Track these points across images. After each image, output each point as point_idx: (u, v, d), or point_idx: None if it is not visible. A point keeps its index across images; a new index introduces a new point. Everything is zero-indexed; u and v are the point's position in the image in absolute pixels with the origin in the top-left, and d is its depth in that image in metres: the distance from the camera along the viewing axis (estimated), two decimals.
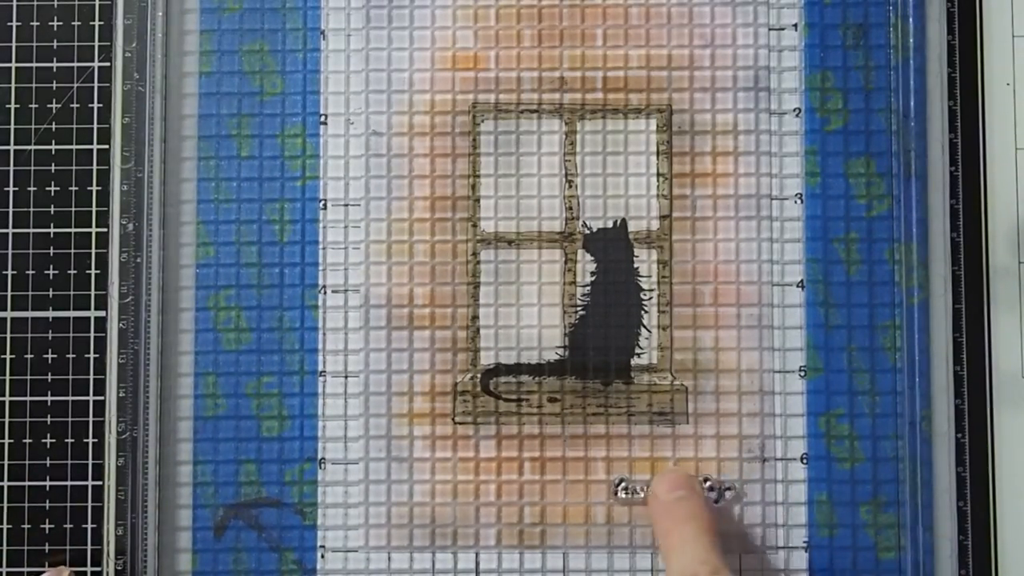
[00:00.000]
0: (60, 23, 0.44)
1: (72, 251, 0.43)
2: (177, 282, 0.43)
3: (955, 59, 0.43)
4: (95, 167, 0.44)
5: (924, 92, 0.43)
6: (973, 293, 0.43)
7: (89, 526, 0.43)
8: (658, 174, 0.44)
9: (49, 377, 0.43)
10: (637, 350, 0.43)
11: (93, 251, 0.43)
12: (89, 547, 0.42)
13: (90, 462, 0.43)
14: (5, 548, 0.42)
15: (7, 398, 0.43)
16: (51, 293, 0.43)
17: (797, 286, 0.43)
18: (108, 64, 0.44)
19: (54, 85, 0.44)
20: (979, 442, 0.42)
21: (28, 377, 0.43)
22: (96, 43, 0.44)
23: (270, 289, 0.43)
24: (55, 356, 0.43)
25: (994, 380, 0.42)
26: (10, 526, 0.43)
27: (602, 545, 0.42)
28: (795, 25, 0.44)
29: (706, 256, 0.43)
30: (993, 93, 0.43)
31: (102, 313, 0.43)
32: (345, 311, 0.43)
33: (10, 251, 0.44)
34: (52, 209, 0.44)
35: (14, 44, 0.44)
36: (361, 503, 0.43)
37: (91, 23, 0.44)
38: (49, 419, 0.43)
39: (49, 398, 0.43)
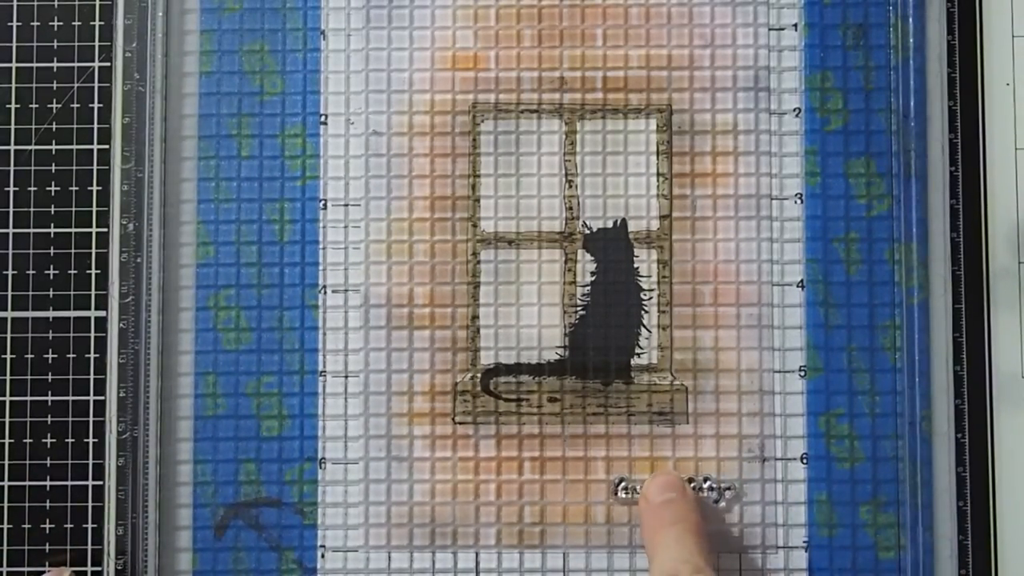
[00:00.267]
0: (60, 23, 0.44)
1: (72, 251, 0.43)
2: (177, 282, 0.43)
3: (955, 59, 0.43)
4: (95, 167, 0.44)
5: (924, 92, 0.43)
6: (973, 293, 0.43)
7: (89, 526, 0.43)
8: (658, 174, 0.44)
9: (49, 377, 0.43)
10: (637, 350, 0.43)
11: (93, 251, 0.43)
12: (89, 547, 0.42)
13: (90, 462, 0.43)
14: (5, 548, 0.43)
15: (7, 398, 0.43)
16: (51, 293, 0.43)
17: (797, 286, 0.43)
18: (108, 64, 0.44)
19: (54, 85, 0.44)
20: (979, 442, 0.42)
21: (28, 377, 0.43)
22: (96, 43, 0.44)
23: (270, 289, 0.43)
24: (55, 356, 0.43)
25: (994, 380, 0.42)
26: (10, 526, 0.43)
27: (602, 545, 0.42)
28: (795, 25, 0.44)
29: (706, 256, 0.43)
30: (993, 93, 0.43)
31: (102, 313, 0.43)
32: (345, 311, 0.43)
33: (10, 251, 0.44)
34: (52, 209, 0.44)
35: (14, 44, 0.44)
36: (361, 503, 0.43)
37: (91, 23, 0.44)
38: (49, 419, 0.43)
39: (49, 398, 0.43)
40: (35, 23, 0.44)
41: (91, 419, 0.43)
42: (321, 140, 0.44)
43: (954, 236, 0.43)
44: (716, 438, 0.43)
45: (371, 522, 0.43)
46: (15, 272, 0.43)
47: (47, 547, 0.43)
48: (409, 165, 0.44)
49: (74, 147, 0.44)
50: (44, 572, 0.42)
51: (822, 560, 0.42)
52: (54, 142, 0.44)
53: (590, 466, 0.43)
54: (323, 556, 0.43)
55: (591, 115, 0.44)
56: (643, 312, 0.43)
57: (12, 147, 0.44)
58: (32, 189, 0.44)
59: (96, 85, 0.44)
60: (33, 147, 0.44)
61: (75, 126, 0.44)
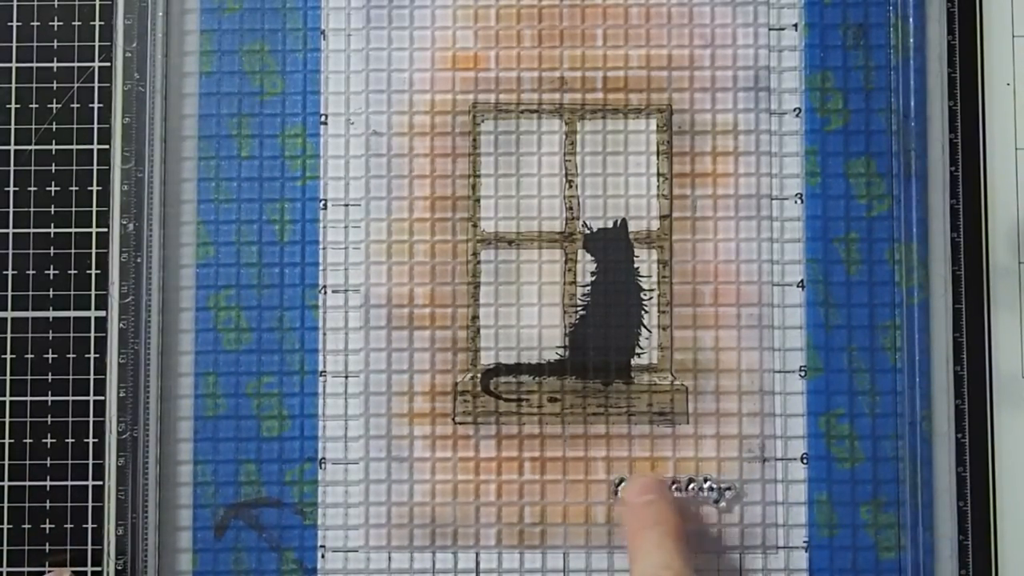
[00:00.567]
0: (60, 23, 0.44)
1: (72, 251, 0.43)
2: (177, 282, 0.43)
3: (955, 59, 0.43)
4: (95, 167, 0.44)
5: (924, 92, 0.43)
6: (973, 293, 0.43)
7: (89, 526, 0.43)
8: (658, 174, 0.44)
9: (49, 377, 0.43)
10: (637, 350, 0.43)
11: (93, 251, 0.43)
12: (89, 547, 0.42)
13: (90, 462, 0.43)
14: (5, 548, 0.42)
15: (7, 398, 0.43)
16: (51, 293, 0.43)
17: (797, 286, 0.43)
18: (108, 64, 0.44)
19: (54, 85, 0.44)
20: (979, 442, 0.42)
21: (28, 377, 0.43)
22: (96, 43, 0.44)
23: (270, 289, 0.43)
24: (55, 356, 0.43)
25: (994, 380, 0.43)
26: (10, 526, 0.43)
27: (602, 545, 0.42)
28: (795, 25, 0.44)
29: (706, 256, 0.43)
30: (993, 93, 0.43)
31: (102, 313, 0.43)
32: (345, 311, 0.43)
33: (10, 251, 0.44)
34: (52, 209, 0.44)
35: (14, 44, 0.44)
36: (361, 503, 0.43)
37: (91, 23, 0.44)
38: (49, 419, 0.43)
39: (49, 398, 0.43)
40: (35, 23, 0.44)
41: (91, 419, 0.43)
42: (321, 140, 0.44)
43: (954, 236, 0.43)
44: (716, 438, 0.43)
45: (371, 522, 0.43)
46: (15, 272, 0.43)
47: (47, 547, 0.43)
48: (409, 165, 0.44)
49: (74, 147, 0.44)
50: (44, 572, 0.42)
51: (822, 560, 0.42)
52: (54, 142, 0.44)
53: (590, 466, 0.43)
54: (323, 556, 0.43)
55: (591, 115, 0.44)
56: (643, 312, 0.43)
57: (12, 147, 0.44)
58: (32, 189, 0.44)
59: (96, 85, 0.44)
60: (33, 147, 0.44)
61: (75, 126, 0.44)
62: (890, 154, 0.43)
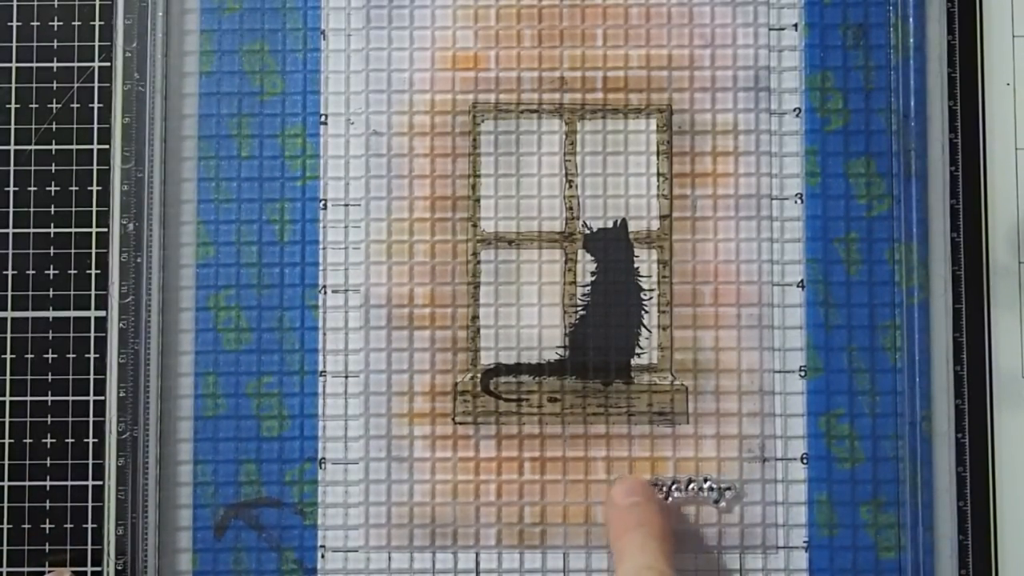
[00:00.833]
0: (60, 23, 0.44)
1: (72, 251, 0.43)
2: (177, 282, 0.43)
3: (955, 59, 0.43)
4: (95, 167, 0.44)
5: (924, 92, 0.43)
6: (973, 293, 0.43)
7: (89, 526, 0.43)
8: (658, 174, 0.44)
9: (49, 377, 0.43)
10: (637, 350, 0.43)
11: (93, 251, 0.43)
12: (89, 547, 0.42)
13: (90, 462, 0.43)
14: (5, 548, 0.42)
15: (7, 398, 0.43)
16: (51, 293, 0.43)
17: (797, 286, 0.43)
18: (108, 64, 0.44)
19: (54, 85, 0.44)
20: (979, 442, 0.42)
21: (28, 377, 0.43)
22: (96, 43, 0.44)
23: (270, 289, 0.43)
24: (55, 356, 0.43)
25: (994, 380, 0.43)
26: (10, 526, 0.43)
27: (602, 545, 0.42)
28: (795, 25, 0.44)
29: (706, 256, 0.43)
30: (993, 93, 0.43)
31: (102, 313, 0.43)
32: (345, 311, 0.43)
33: (10, 251, 0.44)
34: (52, 209, 0.44)
35: (14, 44, 0.44)
36: (361, 503, 0.43)
37: (91, 23, 0.44)
38: (49, 419, 0.43)
39: (49, 398, 0.43)
40: (35, 23, 0.44)
41: (91, 419, 0.43)
42: (321, 140, 0.44)
43: (954, 236, 0.43)
44: (716, 438, 0.43)
45: (371, 522, 0.43)
46: (15, 272, 0.43)
47: (47, 547, 0.43)
48: (409, 165, 0.44)
49: (74, 147, 0.44)
50: (44, 573, 0.42)
51: (822, 560, 0.42)
52: (54, 142, 0.44)
53: (590, 466, 0.43)
54: (323, 556, 0.43)
55: (591, 115, 0.44)
56: (643, 312, 0.43)
57: (12, 147, 0.44)
58: (32, 189, 0.44)
59: (96, 85, 0.44)
60: (33, 147, 0.44)
61: (75, 126, 0.44)
62: (890, 154, 0.43)
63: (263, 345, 0.43)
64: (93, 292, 0.43)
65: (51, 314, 0.43)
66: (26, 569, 0.42)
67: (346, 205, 0.44)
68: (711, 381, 0.43)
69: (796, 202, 0.43)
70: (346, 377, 0.43)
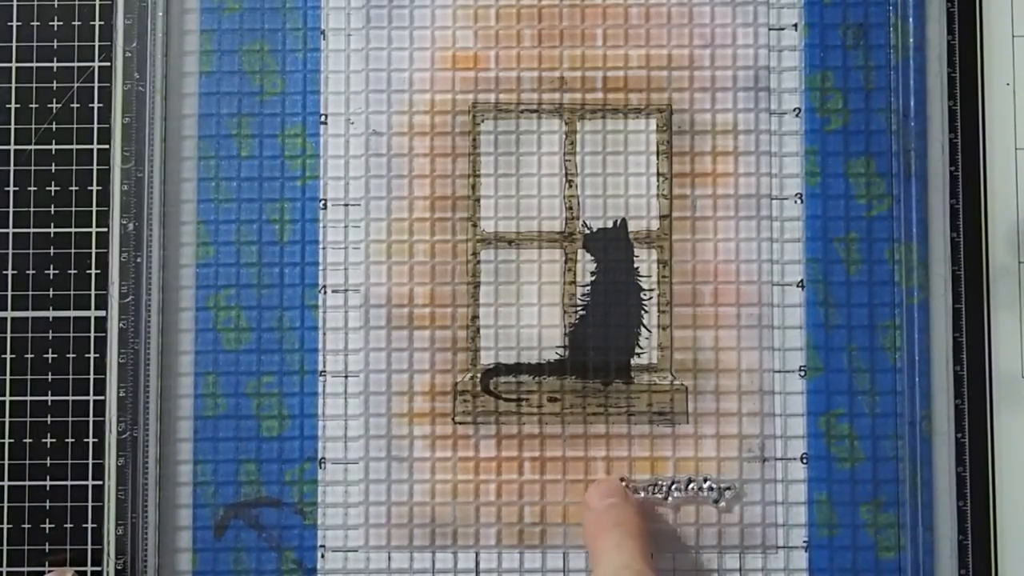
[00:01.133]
0: (60, 23, 0.44)
1: (72, 251, 0.43)
2: (177, 282, 0.43)
3: (955, 59, 0.43)
4: (95, 167, 0.44)
5: (924, 92, 0.43)
6: (973, 293, 0.43)
7: (89, 526, 0.43)
8: (658, 174, 0.44)
9: (49, 377, 0.43)
10: (637, 350, 0.43)
11: (93, 251, 0.43)
12: (89, 547, 0.42)
13: (90, 462, 0.43)
14: (5, 548, 0.42)
15: (7, 398, 0.43)
16: (51, 293, 0.43)
17: (797, 286, 0.43)
18: (108, 64, 0.44)
19: (54, 85, 0.44)
20: (979, 442, 0.42)
21: (28, 377, 0.43)
22: (96, 43, 0.44)
23: (270, 289, 0.43)
24: (55, 356, 0.43)
25: (994, 380, 0.42)
26: (10, 526, 0.43)
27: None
28: (795, 25, 0.44)
29: (706, 256, 0.43)
30: (993, 93, 0.43)
31: (102, 313, 0.43)
32: (345, 311, 0.43)
33: (10, 251, 0.44)
34: (52, 209, 0.44)
35: (14, 44, 0.44)
36: (361, 503, 0.43)
37: (91, 23, 0.44)
38: (49, 419, 0.43)
39: (49, 398, 0.43)
40: (35, 23, 0.44)
41: (91, 419, 0.43)
42: (321, 140, 0.44)
43: (954, 236, 0.43)
44: (716, 438, 0.43)
45: (371, 522, 0.43)
46: (15, 272, 0.43)
47: (47, 547, 0.43)
48: (409, 165, 0.44)
49: (74, 147, 0.44)
50: (45, 573, 0.42)
51: (822, 560, 0.42)
52: (54, 142, 0.44)
53: (590, 466, 0.43)
54: (323, 556, 0.43)
55: (591, 115, 0.44)
56: (643, 312, 0.43)
57: (12, 147, 0.44)
58: (32, 189, 0.44)
59: (96, 85, 0.44)
60: (33, 147, 0.44)
61: (75, 126, 0.44)
62: (890, 154, 0.43)
63: (263, 345, 0.43)
64: (93, 292, 0.43)
65: (51, 314, 0.43)
66: (26, 569, 0.42)
67: (346, 205, 0.44)
68: (711, 381, 0.43)
69: (796, 202, 0.43)
70: (346, 377, 0.43)
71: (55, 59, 0.44)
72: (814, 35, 0.44)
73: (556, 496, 0.43)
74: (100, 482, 0.42)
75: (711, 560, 0.42)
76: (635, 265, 0.43)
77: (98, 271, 0.43)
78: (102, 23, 0.44)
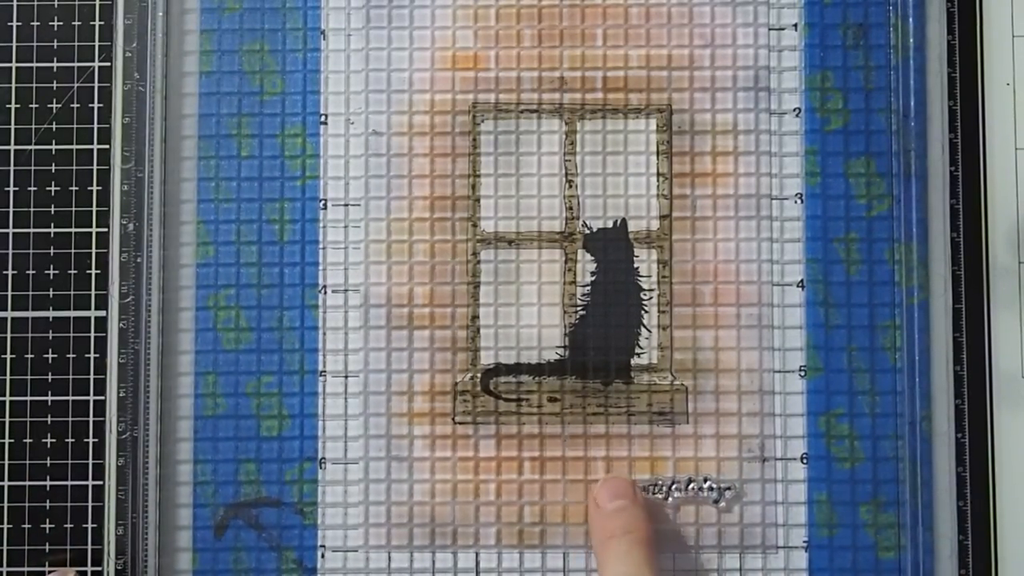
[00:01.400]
0: (60, 23, 0.44)
1: (72, 251, 0.43)
2: (177, 282, 0.43)
3: (955, 59, 0.43)
4: (95, 167, 0.44)
5: (924, 92, 0.43)
6: (973, 293, 0.43)
7: (89, 526, 0.43)
8: (658, 174, 0.44)
9: (49, 377, 0.43)
10: (637, 350, 0.43)
11: (93, 251, 0.43)
12: (89, 547, 0.42)
13: (90, 462, 0.43)
14: (5, 548, 0.43)
15: (7, 398, 0.43)
16: (51, 293, 0.43)
17: (797, 286, 0.43)
18: (108, 64, 0.44)
19: (54, 85, 0.44)
20: (979, 442, 0.42)
21: (28, 377, 0.43)
22: (96, 43, 0.44)
23: (270, 289, 0.43)
24: (55, 356, 0.43)
25: (994, 380, 0.42)
26: (10, 526, 0.43)
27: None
28: (795, 25, 0.44)
29: (706, 256, 0.43)
30: (993, 93, 0.43)
31: (102, 313, 0.43)
32: (345, 311, 0.43)
33: (10, 251, 0.44)
34: (52, 209, 0.44)
35: (14, 44, 0.44)
36: (361, 502, 0.43)
37: (91, 23, 0.44)
38: (49, 419, 0.43)
39: (49, 398, 0.43)
40: (35, 23, 0.44)
41: (91, 419, 0.43)
42: (321, 140, 0.44)
43: (954, 236, 0.43)
44: (716, 438, 0.43)
45: (371, 522, 0.43)
46: (15, 272, 0.43)
47: (47, 547, 0.43)
48: (409, 165, 0.44)
49: (74, 147, 0.44)
50: (46, 573, 0.42)
51: (822, 560, 0.42)
52: (54, 142, 0.44)
53: (590, 466, 0.43)
54: (323, 556, 0.43)
55: (591, 115, 0.44)
56: (643, 312, 0.43)
57: (12, 147, 0.44)
58: (32, 189, 0.44)
59: (96, 85, 0.44)
60: (33, 147, 0.44)
61: (75, 126, 0.44)
62: (890, 154, 0.43)
63: (263, 345, 0.43)
64: (93, 292, 0.43)
65: (51, 314, 0.43)
66: (26, 569, 0.42)
67: (346, 205, 0.44)
68: (711, 381, 0.43)
69: (796, 202, 0.43)
70: (346, 377, 0.43)
71: (55, 59, 0.44)
72: (814, 35, 0.44)
73: (556, 496, 0.43)
74: (100, 482, 0.42)
75: (711, 560, 0.42)
76: (635, 265, 0.43)
77: (98, 271, 0.43)
78: (102, 23, 0.44)
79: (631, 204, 0.44)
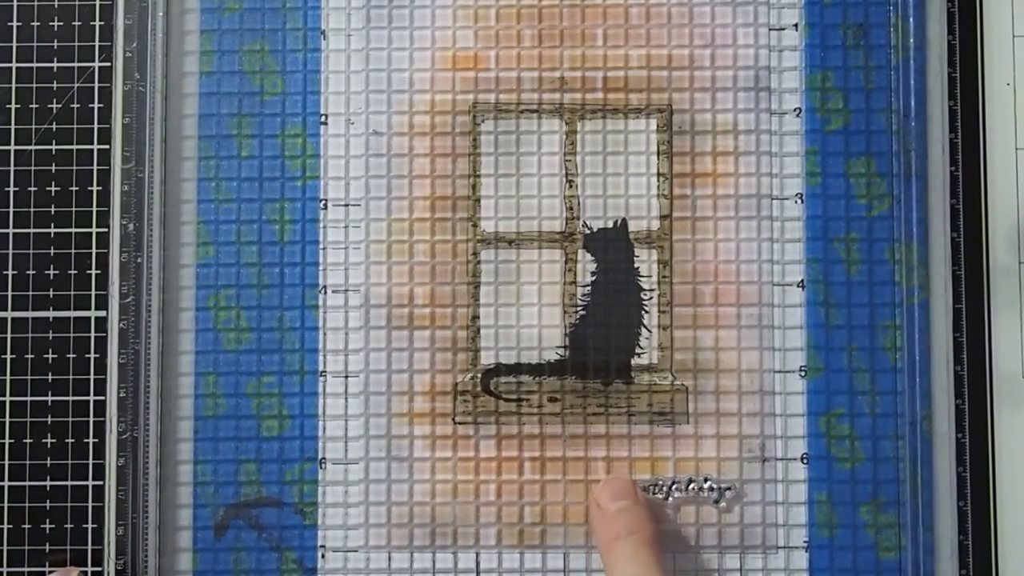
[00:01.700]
0: (60, 23, 0.44)
1: (72, 251, 0.43)
2: (177, 282, 0.43)
3: (955, 59, 0.43)
4: (95, 167, 0.44)
5: (924, 92, 0.43)
6: (973, 293, 0.43)
7: (89, 526, 0.43)
8: (658, 174, 0.44)
9: (49, 377, 0.43)
10: (637, 350, 0.43)
11: (93, 251, 0.43)
12: (89, 547, 0.42)
13: (90, 462, 0.43)
14: (5, 548, 0.42)
15: (7, 398, 0.43)
16: (51, 293, 0.43)
17: (797, 286, 0.43)
18: (108, 64, 0.44)
19: (54, 85, 0.44)
20: (979, 442, 0.42)
21: (28, 377, 0.43)
22: (96, 43, 0.44)
23: (270, 289, 0.43)
24: (55, 356, 0.43)
25: (994, 380, 0.43)
26: (10, 526, 0.43)
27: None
28: (795, 25, 0.44)
29: (706, 256, 0.43)
30: (993, 93, 0.43)
31: (102, 313, 0.43)
32: (345, 311, 0.43)
33: (10, 251, 0.44)
34: (52, 209, 0.44)
35: (14, 44, 0.44)
36: (361, 503, 0.43)
37: (91, 23, 0.44)
38: (49, 419, 0.43)
39: (49, 398, 0.43)
40: (35, 23, 0.44)
41: (91, 419, 0.43)
42: (321, 140, 0.44)
43: (954, 236, 0.43)
44: (716, 438, 0.43)
45: (371, 522, 0.43)
46: (15, 272, 0.43)
47: (47, 547, 0.43)
48: (409, 165, 0.44)
49: (74, 147, 0.44)
50: (47, 573, 0.42)
51: (822, 560, 0.42)
52: (54, 142, 0.44)
53: (590, 466, 0.43)
54: (323, 556, 0.43)
55: (591, 115, 0.44)
56: (643, 312, 0.43)
57: (12, 147, 0.44)
58: (32, 189, 0.44)
59: (96, 85, 0.44)
60: (33, 147, 0.44)
61: (75, 126, 0.44)
62: (890, 154, 0.43)
63: (263, 345, 0.43)
64: (93, 292, 0.43)
65: (51, 314, 0.43)
66: (26, 569, 0.42)
67: (346, 205, 0.44)
68: (711, 381, 0.43)
69: (796, 202, 0.43)
70: (346, 377, 0.43)
71: (55, 59, 0.44)
72: (814, 35, 0.44)
73: (556, 496, 0.43)
74: (100, 482, 0.42)
75: (711, 560, 0.42)
76: (635, 265, 0.43)
77: (98, 271, 0.43)
78: (102, 23, 0.44)
79: (631, 204, 0.44)
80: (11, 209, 0.44)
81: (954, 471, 0.42)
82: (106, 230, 0.43)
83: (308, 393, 0.43)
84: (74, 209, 0.44)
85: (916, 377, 0.42)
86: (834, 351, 0.43)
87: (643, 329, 0.43)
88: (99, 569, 0.42)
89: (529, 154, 0.44)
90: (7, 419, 0.43)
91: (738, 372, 0.43)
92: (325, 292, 0.43)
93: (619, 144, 0.44)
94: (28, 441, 0.43)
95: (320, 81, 0.44)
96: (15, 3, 0.44)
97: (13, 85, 0.44)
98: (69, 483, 0.43)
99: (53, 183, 0.44)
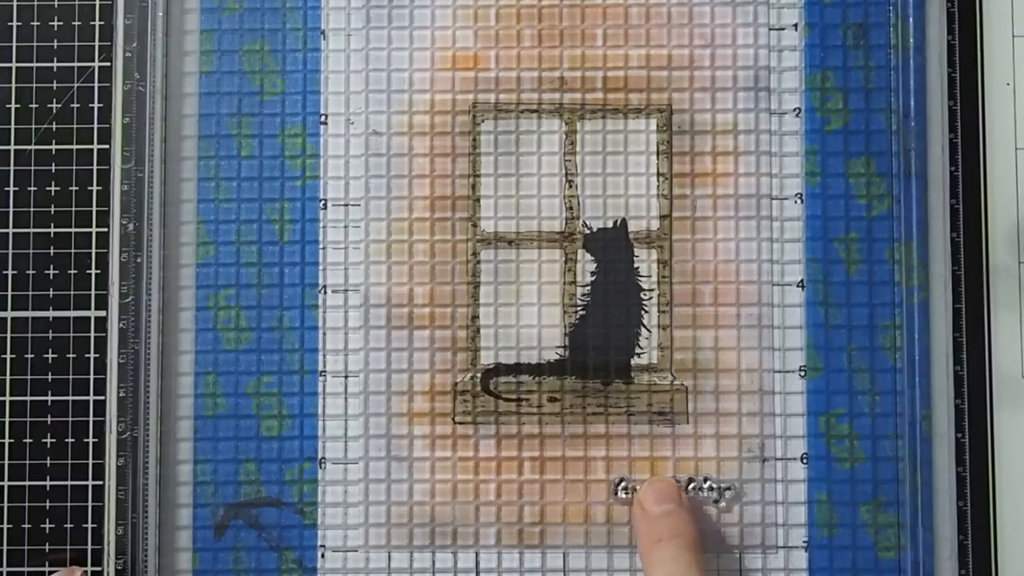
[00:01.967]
0: (60, 23, 0.44)
1: (72, 251, 0.43)
2: (177, 282, 0.43)
3: (955, 59, 0.43)
4: (95, 167, 0.44)
5: (924, 92, 0.43)
6: (973, 293, 0.43)
7: (89, 526, 0.43)
8: (658, 174, 0.44)
9: (49, 377, 0.43)
10: (637, 350, 0.43)
11: (93, 251, 0.43)
12: (89, 547, 0.42)
13: (90, 462, 0.43)
14: (5, 548, 0.43)
15: (7, 398, 0.43)
16: (51, 293, 0.43)
17: (797, 286, 0.43)
18: (108, 64, 0.44)
19: (54, 85, 0.44)
20: (979, 442, 0.42)
21: (28, 377, 0.43)
22: (96, 43, 0.44)
23: (270, 288, 0.43)
24: (55, 356, 0.43)
25: (994, 380, 0.42)
26: (10, 526, 0.43)
27: (602, 545, 0.42)
28: (795, 25, 0.44)
29: (706, 256, 0.43)
30: (993, 93, 0.43)
31: (102, 313, 0.43)
32: (345, 310, 0.43)
33: (10, 251, 0.44)
34: (52, 209, 0.44)
35: (14, 44, 0.44)
36: (361, 502, 0.43)
37: (91, 23, 0.44)
38: (49, 419, 0.43)
39: (49, 398, 0.43)
40: (35, 23, 0.44)
41: (91, 419, 0.43)
42: (321, 140, 0.44)
43: (954, 236, 0.43)
44: (716, 438, 0.43)
45: (371, 522, 0.43)
46: (15, 272, 0.43)
47: (47, 547, 0.43)
48: (409, 165, 0.44)
49: (74, 147, 0.44)
50: (54, 572, 0.42)
51: (822, 560, 0.42)
52: (54, 142, 0.44)
53: (590, 466, 0.43)
54: (323, 556, 0.43)
55: (591, 115, 0.44)
56: (643, 312, 0.43)
57: (12, 147, 0.44)
58: (32, 189, 0.44)
59: (96, 85, 0.44)
60: (33, 147, 0.44)
61: (75, 126, 0.44)
62: (890, 154, 0.43)
63: (263, 345, 0.43)
64: (93, 292, 0.43)
65: (51, 314, 0.43)
66: (26, 569, 0.42)
67: (346, 205, 0.44)
68: (711, 381, 0.43)
69: (796, 202, 0.43)
70: (346, 377, 0.43)
71: (55, 59, 0.44)
72: (814, 35, 0.44)
73: (556, 496, 0.43)
74: (100, 482, 0.42)
75: (711, 560, 0.42)
76: (635, 265, 0.43)
77: (98, 271, 0.43)
78: (102, 23, 0.44)
79: (631, 204, 0.44)
80: (11, 209, 0.44)
81: (954, 471, 0.42)
82: (106, 230, 0.43)
83: (308, 393, 0.43)
84: (74, 209, 0.44)
85: (916, 377, 0.42)
86: (834, 351, 0.43)
87: (643, 329, 0.43)
88: (99, 569, 0.42)
89: (529, 154, 0.44)
90: (7, 419, 0.43)
91: (738, 372, 0.43)
92: (325, 292, 0.43)
93: (619, 144, 0.44)
94: (28, 441, 0.43)
95: (320, 81, 0.44)
96: (15, 3, 0.44)
97: (13, 85, 0.44)
98: (69, 483, 0.43)
99: (53, 183, 0.44)
